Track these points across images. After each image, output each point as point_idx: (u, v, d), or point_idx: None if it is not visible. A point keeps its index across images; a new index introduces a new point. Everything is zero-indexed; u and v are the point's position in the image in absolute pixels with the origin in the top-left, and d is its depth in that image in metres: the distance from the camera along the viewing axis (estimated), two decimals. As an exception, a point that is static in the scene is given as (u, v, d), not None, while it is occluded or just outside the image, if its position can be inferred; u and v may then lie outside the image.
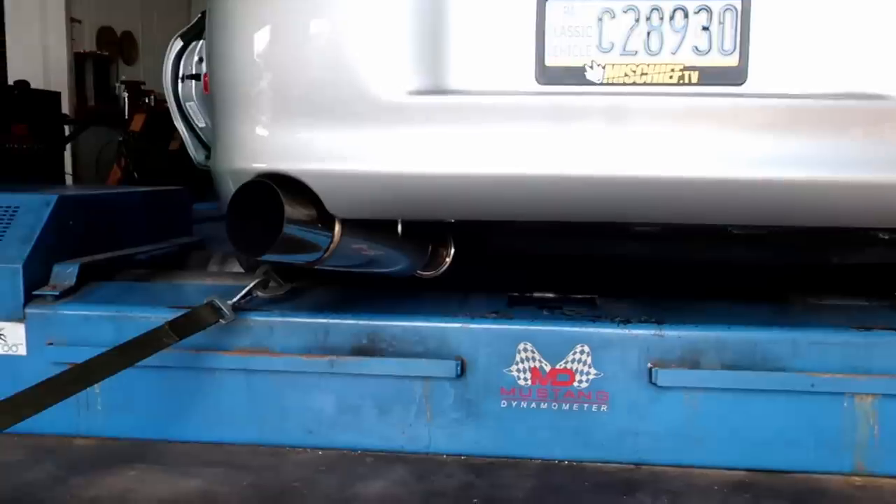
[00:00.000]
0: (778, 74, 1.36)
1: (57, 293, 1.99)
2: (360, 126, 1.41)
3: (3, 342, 1.98)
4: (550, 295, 2.00)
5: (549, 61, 1.38)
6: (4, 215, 2.07)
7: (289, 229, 1.38)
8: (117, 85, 7.77)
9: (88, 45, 7.80)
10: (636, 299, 1.95)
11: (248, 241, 1.40)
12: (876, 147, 1.35)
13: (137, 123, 7.21)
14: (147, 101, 7.52)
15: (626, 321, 1.82)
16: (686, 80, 1.35)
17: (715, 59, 1.35)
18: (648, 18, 1.35)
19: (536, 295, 2.03)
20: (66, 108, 6.84)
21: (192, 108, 2.98)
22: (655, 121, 1.36)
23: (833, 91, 1.34)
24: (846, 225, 1.46)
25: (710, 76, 1.35)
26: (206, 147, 3.03)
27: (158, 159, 7.08)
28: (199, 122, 2.99)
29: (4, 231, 2.03)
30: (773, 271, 2.08)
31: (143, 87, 7.72)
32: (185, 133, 3.05)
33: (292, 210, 1.38)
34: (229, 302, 1.85)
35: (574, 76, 1.38)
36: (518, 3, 1.38)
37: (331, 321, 1.88)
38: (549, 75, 1.38)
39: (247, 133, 1.47)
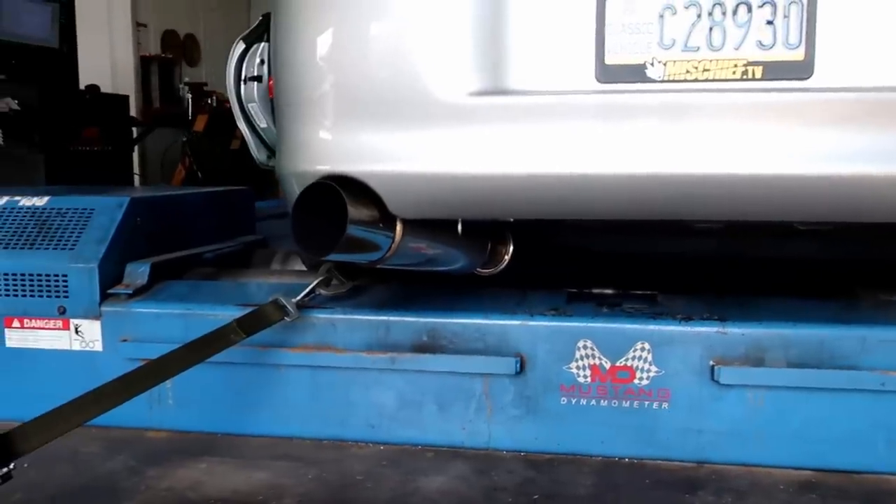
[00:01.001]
0: (846, 68, 1.32)
1: (130, 291, 2.07)
2: (422, 127, 1.43)
3: (80, 338, 2.07)
4: (610, 291, 1.99)
5: (609, 59, 1.38)
6: (81, 217, 2.16)
7: (352, 230, 1.41)
8: (181, 86, 7.97)
9: (154, 48, 8.02)
10: (698, 296, 1.92)
11: (312, 242, 1.43)
12: None
13: (200, 124, 7.40)
14: (209, 101, 7.70)
15: (687, 318, 1.81)
16: (750, 76, 1.33)
17: (780, 54, 1.32)
18: (710, 14, 1.33)
19: (595, 291, 2.02)
20: (133, 111, 7.07)
21: (254, 109, 3.05)
22: (718, 117, 1.34)
23: (901, 84, 1.31)
24: None
25: (775, 71, 1.33)
26: (268, 147, 3.10)
27: (221, 158, 7.26)
28: (261, 122, 3.07)
29: (81, 233, 2.12)
30: (841, 267, 2.03)
31: (205, 87, 7.92)
32: (248, 133, 3.13)
33: (355, 211, 1.41)
34: (294, 300, 1.90)
35: (635, 74, 1.37)
36: (578, 1, 1.38)
37: (392, 318, 1.91)
38: (609, 73, 1.38)
39: (310, 135, 1.51)
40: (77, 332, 2.07)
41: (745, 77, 1.33)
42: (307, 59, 1.49)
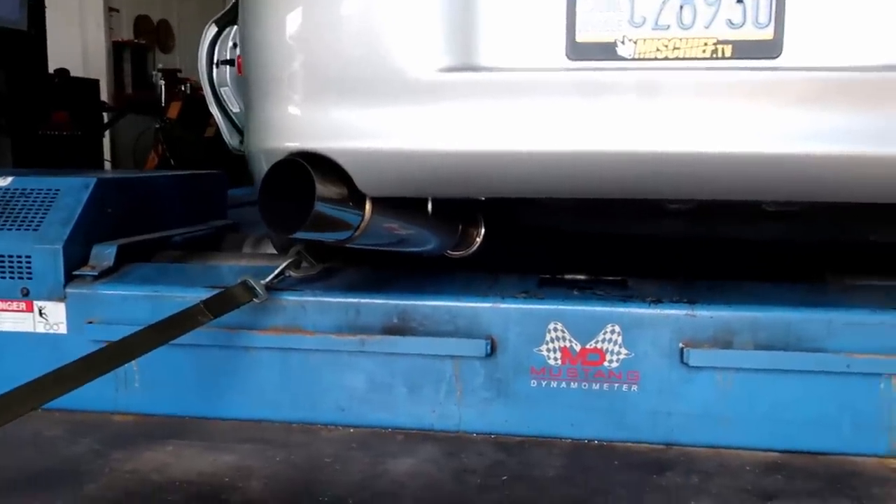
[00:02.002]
0: (814, 47, 1.33)
1: (96, 273, 2.04)
2: (391, 104, 1.42)
3: (44, 321, 2.03)
4: (581, 276, 1.99)
5: (580, 37, 1.37)
6: (46, 198, 2.12)
7: (320, 207, 1.39)
8: (154, 73, 7.88)
9: (126, 33, 7.91)
10: (668, 279, 1.93)
11: (280, 220, 1.41)
12: None
13: (174, 111, 7.32)
14: (183, 88, 7.62)
15: (657, 301, 1.82)
16: (719, 55, 1.33)
17: (749, 33, 1.32)
18: (681, -8, 1.33)
19: (567, 276, 2.02)
20: (104, 97, 6.97)
21: (227, 93, 3.02)
22: (688, 96, 1.34)
23: (869, 63, 1.32)
24: (887, 201, 1.43)
25: (745, 50, 1.33)
26: (241, 132, 3.07)
27: (194, 146, 7.18)
28: (234, 107, 3.03)
29: (46, 213, 2.08)
30: (810, 250, 2.05)
31: (179, 74, 7.82)
32: (220, 118, 3.10)
33: (324, 188, 1.40)
34: (263, 282, 1.88)
35: (605, 52, 1.36)
36: (548, -22, 1.37)
37: (362, 301, 1.90)
38: (579, 51, 1.37)
39: (279, 112, 1.49)
40: (41, 314, 2.03)
41: (714, 56, 1.34)
42: (276, 36, 1.47)
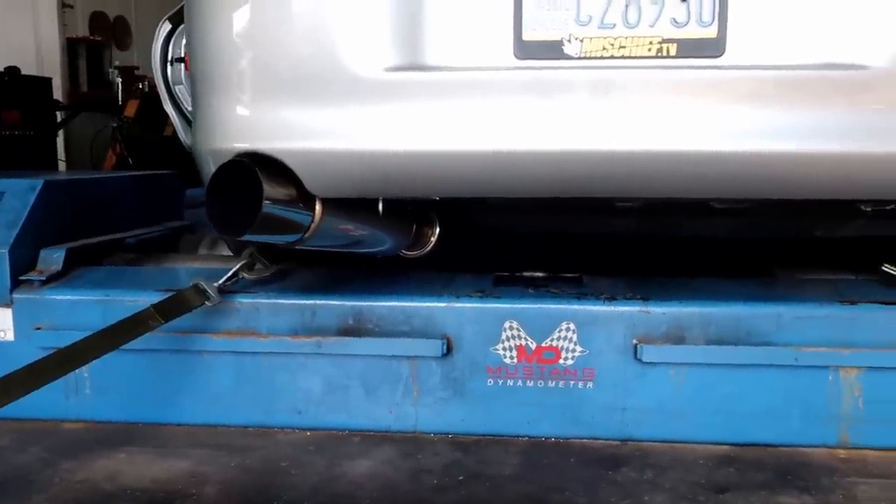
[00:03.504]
0: (756, 46, 1.35)
1: (44, 278, 1.99)
2: (338, 104, 1.40)
3: (-10, 327, 1.99)
4: (537, 274, 2.00)
5: (527, 36, 1.37)
6: (-10, 201, 2.06)
7: (269, 209, 1.38)
8: (111, 70, 7.73)
9: (81, 30, 7.75)
10: (622, 276, 1.95)
11: (227, 222, 1.39)
12: (855, 118, 1.34)
13: (131, 109, 7.18)
14: (141, 86, 7.48)
15: (611, 298, 1.83)
16: (664, 53, 1.35)
17: (693, 31, 1.34)
18: (626, -9, 1.34)
19: (523, 274, 2.03)
20: (58, 95, 6.82)
21: (182, 91, 2.97)
22: (633, 94, 1.35)
23: (812, 62, 1.34)
24: (827, 197, 1.46)
25: (689, 48, 1.34)
26: (196, 130, 3.01)
27: (153, 145, 7.06)
28: (189, 105, 2.99)
29: (-10, 216, 2.03)
30: (760, 246, 2.08)
31: (136, 72, 7.69)
32: (175, 116, 3.05)
33: (272, 189, 1.38)
34: (215, 284, 1.85)
35: (552, 50, 1.37)
36: (495, -24, 1.37)
37: (317, 302, 1.89)
38: (526, 50, 1.37)
39: (225, 112, 1.47)
40: (-13, 320, 1.98)
41: (659, 54, 1.35)
42: (222, 34, 1.45)
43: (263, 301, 1.90)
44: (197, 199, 3.62)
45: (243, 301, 1.90)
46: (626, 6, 1.34)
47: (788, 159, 1.35)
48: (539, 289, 1.91)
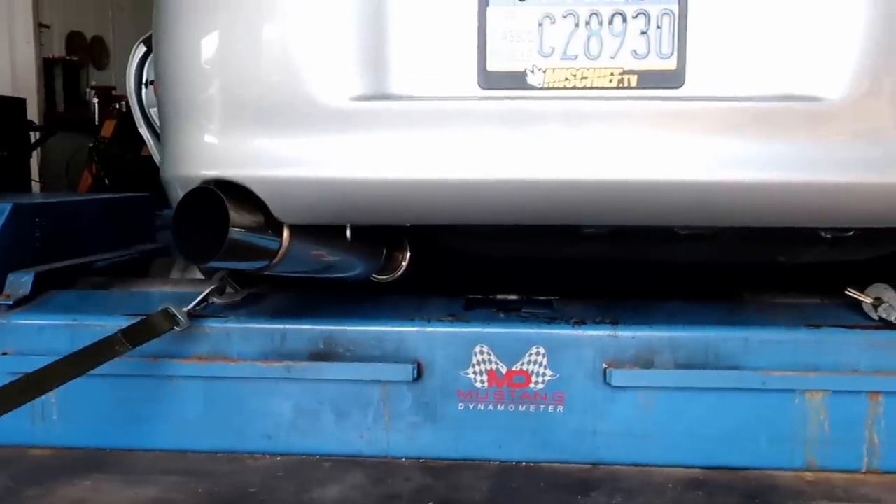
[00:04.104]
0: (715, 77, 1.37)
1: (10, 302, 1.97)
2: (304, 132, 1.41)
3: (-44, 352, 1.96)
4: (508, 297, 2.01)
5: (491, 66, 1.39)
6: (-43, 225, 2.05)
7: (235, 235, 1.38)
8: (87, 90, 7.69)
9: (58, 50, 7.72)
10: (593, 301, 1.96)
11: (194, 248, 1.39)
12: (813, 148, 1.37)
13: (108, 129, 7.14)
14: (118, 106, 7.45)
15: (580, 322, 1.84)
16: (625, 84, 1.37)
17: (653, 63, 1.36)
18: (588, 23, 1.37)
19: (494, 297, 2.04)
20: (34, 115, 6.77)
21: (156, 113, 2.97)
22: (595, 124, 1.37)
23: (768, 93, 1.37)
24: (786, 224, 1.49)
25: (649, 80, 1.37)
26: (171, 153, 3.01)
27: (130, 165, 7.02)
28: (164, 128, 2.98)
29: (-43, 241, 2.01)
30: (728, 271, 2.11)
31: (113, 92, 7.66)
32: (150, 139, 3.04)
33: (239, 216, 1.38)
34: (184, 309, 1.84)
35: (516, 81, 1.39)
36: (460, 8, 1.39)
37: (287, 326, 1.88)
38: (491, 80, 1.39)
39: (191, 139, 1.47)
40: (-48, 345, 1.96)
41: (620, 85, 1.37)
42: (188, 61, 1.46)
43: (233, 325, 1.89)
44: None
45: (213, 325, 1.89)
46: (588, 38, 1.37)
47: (748, 188, 1.38)
48: (509, 313, 1.92)
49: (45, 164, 6.96)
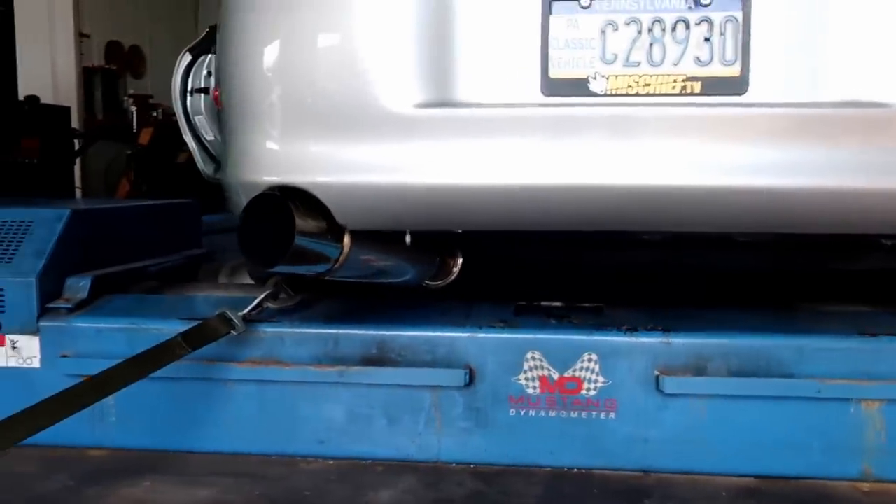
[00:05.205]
0: (779, 84, 1.38)
1: (70, 306, 2.02)
2: (369, 138, 1.44)
3: (17, 355, 2.01)
4: (557, 304, 2.01)
5: (554, 73, 1.40)
6: (19, 230, 2.10)
7: (299, 241, 1.40)
8: (125, 99, 7.82)
9: (97, 59, 7.86)
10: (642, 307, 1.96)
11: (259, 253, 1.42)
12: (876, 155, 1.36)
13: (145, 137, 7.25)
14: (155, 114, 7.57)
15: (632, 329, 1.84)
16: (688, 91, 1.38)
17: (717, 70, 1.37)
18: (650, 30, 1.37)
19: (543, 304, 2.04)
20: (75, 123, 6.90)
21: (201, 121, 3.02)
22: (658, 131, 1.38)
23: (834, 99, 1.36)
24: (849, 232, 1.48)
25: (713, 86, 1.37)
26: (215, 160, 3.07)
27: (166, 172, 7.13)
28: (208, 135, 3.04)
29: (19, 245, 2.06)
30: (780, 278, 2.10)
31: (150, 100, 7.78)
32: (194, 146, 3.09)
33: (303, 222, 1.41)
34: (240, 313, 1.87)
35: (578, 87, 1.40)
36: (523, 16, 1.40)
37: (340, 331, 1.90)
38: (553, 87, 1.40)
39: (257, 146, 1.50)
40: (13, 347, 2.01)
41: (684, 92, 1.38)
42: (254, 69, 1.49)
43: (287, 330, 1.92)
44: (213, 225, 3.68)
45: (267, 330, 1.92)
46: (651, 45, 1.37)
47: (811, 195, 1.37)
48: (560, 319, 1.93)
49: (85, 170, 7.09)
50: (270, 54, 1.47)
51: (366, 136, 1.43)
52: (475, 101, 1.42)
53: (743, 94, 1.37)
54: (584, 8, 1.37)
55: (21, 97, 5.30)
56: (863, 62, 1.36)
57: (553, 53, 1.39)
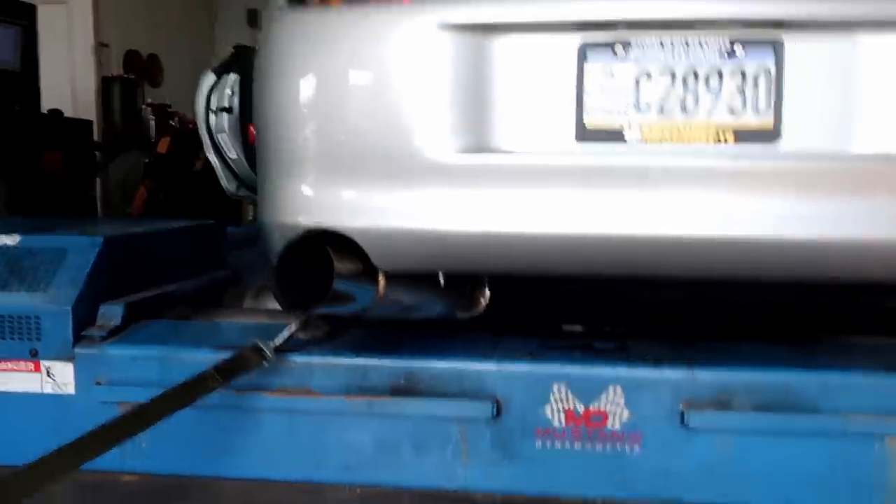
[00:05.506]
0: (810, 135, 1.40)
1: (104, 334, 2.05)
2: (407, 184, 1.47)
3: (52, 381, 2.05)
4: (582, 334, 2.03)
5: (588, 121, 1.43)
6: (53, 258, 2.14)
7: (336, 284, 1.43)
8: (143, 107, 7.89)
9: (116, 68, 7.94)
10: (667, 338, 1.98)
11: (295, 296, 1.45)
12: None
13: (163, 146, 7.31)
14: (172, 123, 7.63)
15: (657, 362, 1.86)
16: (721, 140, 1.40)
17: (749, 120, 1.39)
18: (684, 80, 1.40)
19: (566, 328, 2.06)
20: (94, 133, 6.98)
21: (224, 139, 3.07)
22: (691, 179, 1.41)
23: (863, 152, 1.38)
24: (879, 280, 1.50)
25: (745, 135, 1.39)
26: (238, 178, 3.11)
27: (183, 180, 7.18)
28: (231, 153, 3.09)
29: (54, 274, 2.10)
30: (806, 312, 2.11)
31: (168, 109, 7.85)
32: (218, 164, 3.14)
33: (340, 265, 1.44)
34: (272, 344, 1.90)
35: (613, 136, 1.43)
36: (559, 64, 1.43)
37: (369, 362, 1.93)
38: (588, 135, 1.43)
39: (296, 189, 1.53)
40: (49, 374, 2.04)
41: (716, 141, 1.40)
42: (295, 115, 1.52)
43: (317, 360, 1.95)
44: (237, 236, 3.74)
45: (297, 360, 1.95)
46: (684, 95, 1.40)
47: (843, 245, 1.39)
48: (586, 351, 1.95)
49: (104, 180, 7.15)
50: (311, 101, 1.50)
51: (404, 182, 1.47)
52: (512, 147, 1.45)
53: (775, 143, 1.39)
54: (618, 58, 1.39)
55: (43, 110, 5.35)
56: (890, 116, 1.38)
57: (588, 102, 1.42)
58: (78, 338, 2.04)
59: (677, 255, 1.42)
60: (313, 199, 1.51)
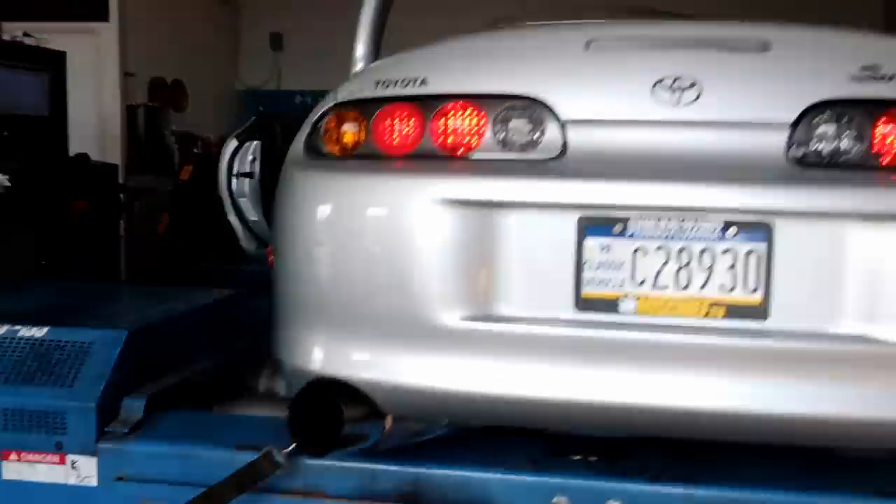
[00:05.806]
0: (797, 314, 1.46)
1: (126, 430, 2.15)
2: (414, 346, 1.55)
3: (76, 473, 2.15)
4: (584, 448, 2.09)
5: (586, 293, 1.51)
6: (80, 353, 2.24)
7: (346, 429, 1.52)
8: (166, 133, 8.03)
9: (141, 96, 8.08)
10: (666, 453, 2.04)
11: (309, 441, 1.54)
12: (880, 389, 1.44)
13: (185, 174, 7.45)
14: (195, 150, 7.76)
15: (656, 477, 1.92)
16: (712, 314, 1.47)
17: (739, 297, 1.46)
18: (679, 257, 1.47)
19: (571, 446, 2.12)
20: (115, 158, 7.12)
21: (245, 203, 3.18)
22: (682, 352, 1.48)
23: (847, 333, 1.45)
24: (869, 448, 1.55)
25: (735, 312, 1.46)
26: (258, 238, 3.22)
27: (205, 206, 7.30)
28: (251, 216, 3.19)
29: (80, 368, 2.20)
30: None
31: (192, 135, 7.98)
32: (238, 225, 3.25)
33: (349, 411, 1.52)
34: (284, 451, 1.99)
35: (609, 307, 1.50)
36: (559, 239, 1.51)
37: (378, 467, 2.00)
38: (585, 305, 1.51)
39: (308, 339, 1.62)
40: (73, 467, 2.14)
41: (708, 315, 1.47)
42: (307, 267, 1.61)
43: (328, 463, 2.02)
44: (246, 273, 3.82)
45: (309, 463, 2.03)
46: (678, 270, 1.47)
47: (827, 422, 1.46)
48: (587, 463, 2.01)
49: (129, 216, 7.27)
50: (327, 260, 1.59)
51: (411, 343, 1.55)
52: (513, 314, 1.53)
53: (764, 320, 1.46)
54: (616, 234, 1.47)
55: (70, 152, 5.45)
56: (872, 301, 1.45)
57: (586, 274, 1.50)
58: (101, 433, 2.14)
59: (668, 422, 1.49)
60: (324, 350, 1.60)
